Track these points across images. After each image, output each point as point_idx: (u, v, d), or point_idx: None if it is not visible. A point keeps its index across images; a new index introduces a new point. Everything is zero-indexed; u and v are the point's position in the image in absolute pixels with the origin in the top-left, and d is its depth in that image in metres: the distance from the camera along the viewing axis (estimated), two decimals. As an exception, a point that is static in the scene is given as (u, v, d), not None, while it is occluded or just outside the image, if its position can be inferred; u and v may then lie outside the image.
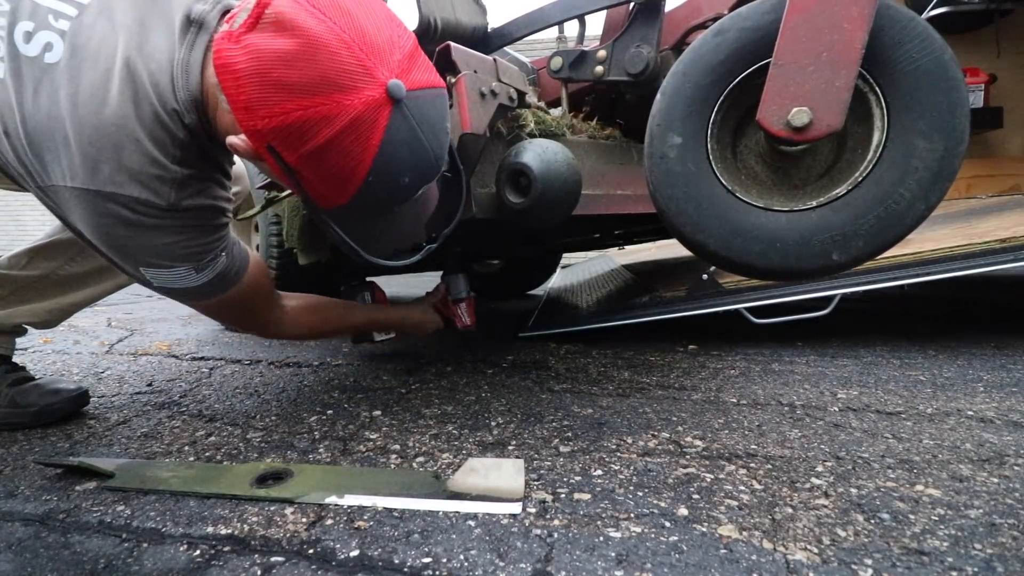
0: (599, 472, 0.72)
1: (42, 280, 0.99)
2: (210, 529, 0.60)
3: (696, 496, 0.65)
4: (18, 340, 1.07)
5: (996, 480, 0.67)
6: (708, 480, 0.69)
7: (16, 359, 1.07)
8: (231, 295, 0.83)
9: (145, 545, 0.57)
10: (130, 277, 0.79)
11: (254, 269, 0.87)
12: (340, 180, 0.61)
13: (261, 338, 1.01)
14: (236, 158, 1.10)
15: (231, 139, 0.63)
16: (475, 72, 0.86)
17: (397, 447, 0.82)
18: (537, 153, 0.86)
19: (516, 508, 0.62)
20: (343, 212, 0.66)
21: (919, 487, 0.66)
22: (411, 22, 1.21)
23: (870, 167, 0.75)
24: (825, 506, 0.62)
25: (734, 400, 1.01)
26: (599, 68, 1.21)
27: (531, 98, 1.09)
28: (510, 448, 0.80)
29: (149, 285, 0.76)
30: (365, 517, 0.61)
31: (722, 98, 0.82)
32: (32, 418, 0.95)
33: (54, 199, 0.67)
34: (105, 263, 1.01)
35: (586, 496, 0.65)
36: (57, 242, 0.98)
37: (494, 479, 0.68)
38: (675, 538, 0.56)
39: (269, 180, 1.32)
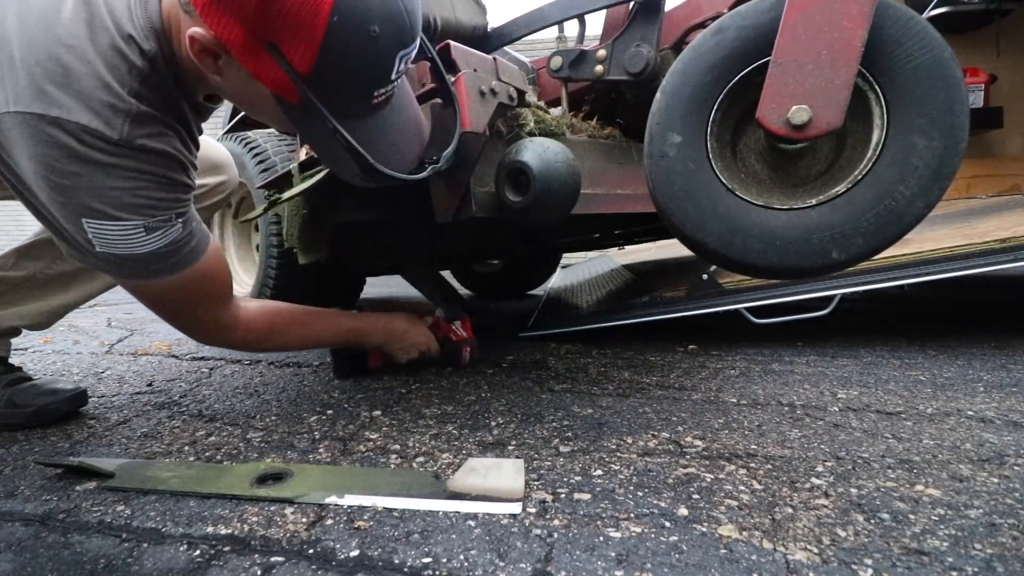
0: (599, 472, 0.72)
1: (30, 281, 0.98)
2: (210, 529, 0.60)
3: (696, 496, 0.65)
4: (18, 340, 1.07)
5: (996, 480, 0.67)
6: (708, 480, 0.69)
7: (16, 359, 1.07)
8: (182, 278, 0.76)
9: (145, 545, 0.57)
10: (70, 247, 0.72)
11: (214, 254, 0.81)
12: (303, 21, 0.57)
13: (204, 343, 0.94)
14: (215, 150, 1.07)
15: (191, 31, 0.60)
16: (475, 71, 0.86)
17: (397, 447, 0.82)
18: (537, 152, 0.86)
19: (516, 508, 0.62)
20: (320, 86, 0.61)
21: (919, 487, 0.66)
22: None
23: (870, 165, 0.75)
24: (825, 506, 0.62)
25: (734, 400, 1.01)
26: (599, 67, 1.21)
27: (531, 97, 1.09)
28: (510, 448, 0.80)
29: (90, 253, 0.69)
30: (365, 517, 0.61)
31: (722, 97, 0.81)
32: (30, 418, 0.95)
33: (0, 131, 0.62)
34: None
35: (586, 496, 0.65)
36: (42, 241, 0.97)
37: (494, 479, 0.68)
38: (675, 538, 0.56)
39: (269, 180, 1.32)
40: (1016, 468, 0.70)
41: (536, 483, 0.69)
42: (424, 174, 0.75)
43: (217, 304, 0.86)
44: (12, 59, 0.59)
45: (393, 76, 0.64)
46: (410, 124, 0.74)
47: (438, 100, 0.87)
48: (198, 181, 1.06)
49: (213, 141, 1.11)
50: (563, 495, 0.66)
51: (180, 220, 0.72)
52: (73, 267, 1.00)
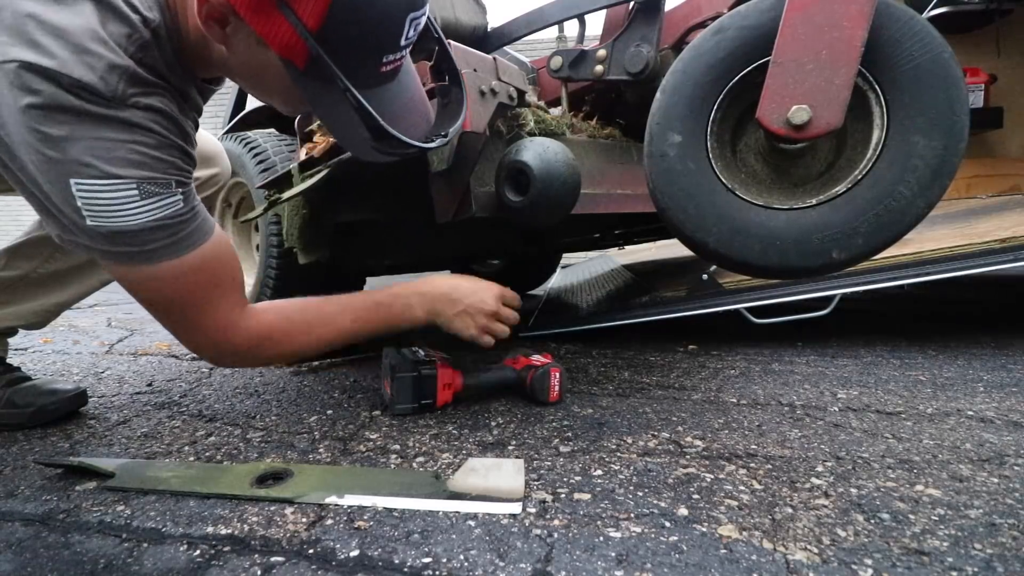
0: (599, 472, 0.72)
1: (24, 280, 0.97)
2: (210, 529, 0.60)
3: (696, 496, 0.65)
4: (18, 340, 1.07)
5: (996, 480, 0.67)
6: (708, 480, 0.69)
7: (16, 359, 1.07)
8: (184, 264, 0.69)
9: (145, 545, 0.57)
10: (59, 227, 0.66)
11: (222, 240, 0.74)
12: None
13: (212, 355, 0.81)
14: (207, 142, 1.04)
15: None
16: (475, 71, 0.86)
17: (397, 447, 0.82)
18: (537, 152, 0.86)
19: (516, 508, 0.62)
20: (330, 46, 0.59)
21: (919, 487, 0.66)
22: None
23: (870, 165, 0.75)
24: (825, 506, 0.62)
25: (734, 400, 1.01)
26: (599, 67, 1.21)
27: (531, 97, 1.09)
28: (510, 448, 0.80)
29: (80, 230, 0.63)
30: (365, 517, 0.61)
31: (722, 96, 0.81)
32: (29, 418, 0.94)
33: None
34: (87, 258, 0.96)
35: (586, 496, 0.65)
36: (34, 240, 0.97)
37: (494, 479, 0.68)
38: (675, 538, 0.56)
39: (269, 180, 1.32)
40: (1016, 468, 0.70)
41: (536, 483, 0.69)
42: (434, 144, 0.72)
43: (226, 300, 0.76)
44: (4, 10, 0.57)
45: (403, 42, 0.63)
46: (416, 102, 0.73)
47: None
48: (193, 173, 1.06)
49: (205, 132, 1.06)
50: (563, 495, 0.66)
51: (180, 192, 0.66)
52: (67, 265, 0.99)
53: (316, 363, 1.39)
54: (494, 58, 0.91)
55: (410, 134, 0.68)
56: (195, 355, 0.84)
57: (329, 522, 0.60)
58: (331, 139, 1.13)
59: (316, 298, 0.89)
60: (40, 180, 0.62)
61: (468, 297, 0.92)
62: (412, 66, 0.74)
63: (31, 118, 0.59)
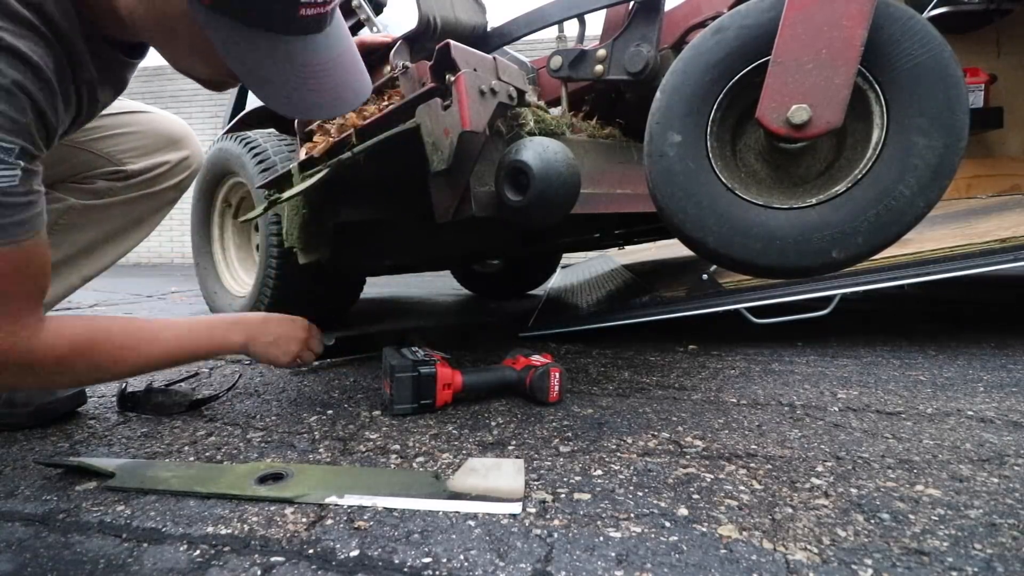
0: (599, 472, 0.72)
1: None
2: (210, 529, 0.60)
3: (696, 496, 0.65)
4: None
5: (996, 480, 0.67)
6: (708, 480, 0.69)
7: (15, 359, 1.06)
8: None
9: (145, 545, 0.57)
10: None
11: (43, 244, 0.65)
12: None
13: None
14: (173, 123, 1.00)
15: None
16: (475, 70, 0.86)
17: (397, 447, 0.82)
18: (537, 151, 0.86)
19: (516, 508, 0.62)
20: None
21: (919, 487, 0.66)
22: (411, 21, 1.21)
23: (870, 164, 0.75)
24: (825, 506, 0.62)
25: (734, 400, 1.01)
26: (599, 67, 1.21)
27: (531, 97, 1.09)
28: (510, 448, 0.80)
29: None
30: (365, 517, 0.61)
31: (721, 96, 0.81)
32: (28, 418, 0.94)
33: None
34: (65, 254, 0.92)
35: (586, 496, 0.65)
36: None
37: (494, 479, 0.68)
38: (675, 538, 0.56)
39: (269, 180, 1.32)
40: (1016, 468, 0.70)
41: (536, 483, 0.69)
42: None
43: (29, 303, 0.66)
44: None
45: None
46: (345, 61, 0.67)
47: (438, 99, 0.86)
48: (159, 159, 0.98)
49: (170, 115, 1.02)
50: (563, 495, 0.66)
51: (22, 166, 0.57)
52: None
53: (316, 363, 1.39)
54: (494, 58, 0.91)
55: (335, 96, 0.65)
56: None
57: (329, 522, 0.60)
58: (331, 139, 1.13)
59: (130, 317, 0.85)
60: None
61: (280, 327, 1.00)
62: (343, 23, 0.69)
63: None
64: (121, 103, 0.96)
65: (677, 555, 0.53)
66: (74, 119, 0.70)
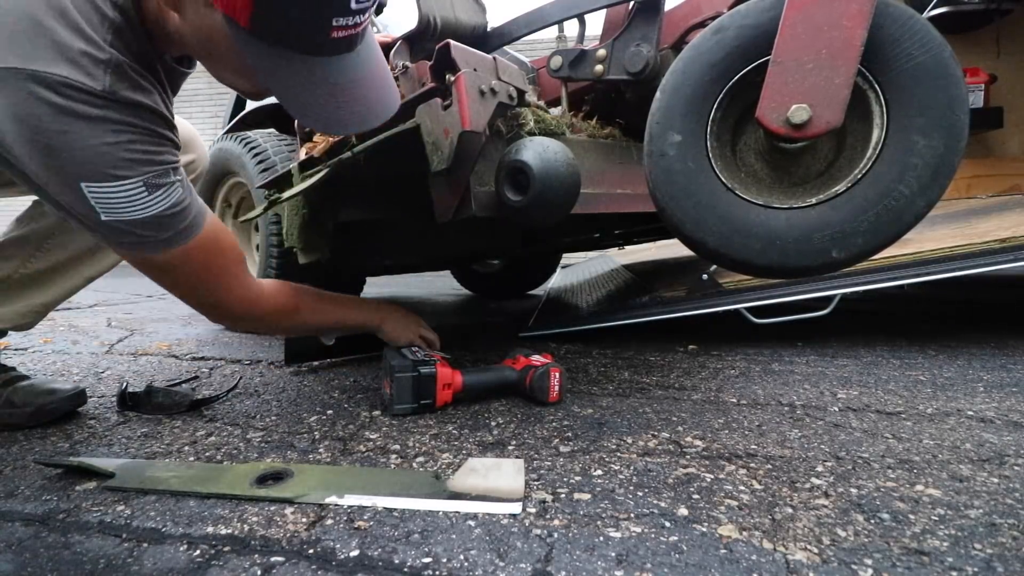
0: (599, 472, 0.72)
1: (5, 282, 0.96)
2: (210, 529, 0.60)
3: (696, 496, 0.65)
4: (18, 340, 1.06)
5: (996, 480, 0.67)
6: (708, 480, 0.69)
7: (16, 359, 1.07)
8: (196, 245, 0.74)
9: (145, 545, 0.57)
10: (76, 221, 0.69)
11: (216, 223, 0.79)
12: None
13: (231, 324, 0.92)
14: (183, 128, 1.04)
15: None
16: (475, 70, 0.86)
17: (397, 447, 0.82)
18: (536, 151, 0.86)
19: (516, 508, 0.62)
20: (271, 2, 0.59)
21: (919, 487, 0.66)
22: (411, 21, 1.21)
23: (870, 164, 0.75)
24: (825, 506, 0.62)
25: (734, 400, 1.01)
26: (599, 67, 1.21)
27: (531, 97, 1.09)
28: (510, 448, 0.80)
29: (98, 224, 0.67)
30: (365, 517, 0.61)
31: (721, 96, 0.81)
32: (28, 418, 0.94)
33: None
34: (69, 255, 0.97)
35: (586, 496, 0.65)
36: (13, 239, 0.96)
37: (494, 479, 0.68)
38: (675, 538, 0.56)
39: (269, 180, 1.32)
40: (1016, 468, 0.70)
41: (536, 483, 0.69)
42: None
43: (237, 272, 0.84)
44: None
45: (354, 4, 0.61)
46: (376, 79, 0.71)
47: (438, 99, 0.86)
48: None
49: (179, 118, 1.09)
50: (563, 495, 0.66)
51: (178, 179, 0.71)
52: (49, 264, 0.97)
53: (316, 363, 1.39)
54: (494, 58, 0.91)
55: (359, 118, 0.70)
56: (219, 323, 0.96)
57: (329, 522, 0.60)
58: (331, 139, 1.13)
59: (309, 288, 1.02)
60: (49, 182, 0.65)
61: (402, 315, 1.16)
62: (374, 41, 0.73)
63: (27, 126, 0.60)
64: None
65: (677, 555, 0.53)
66: None
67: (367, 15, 0.64)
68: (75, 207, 0.67)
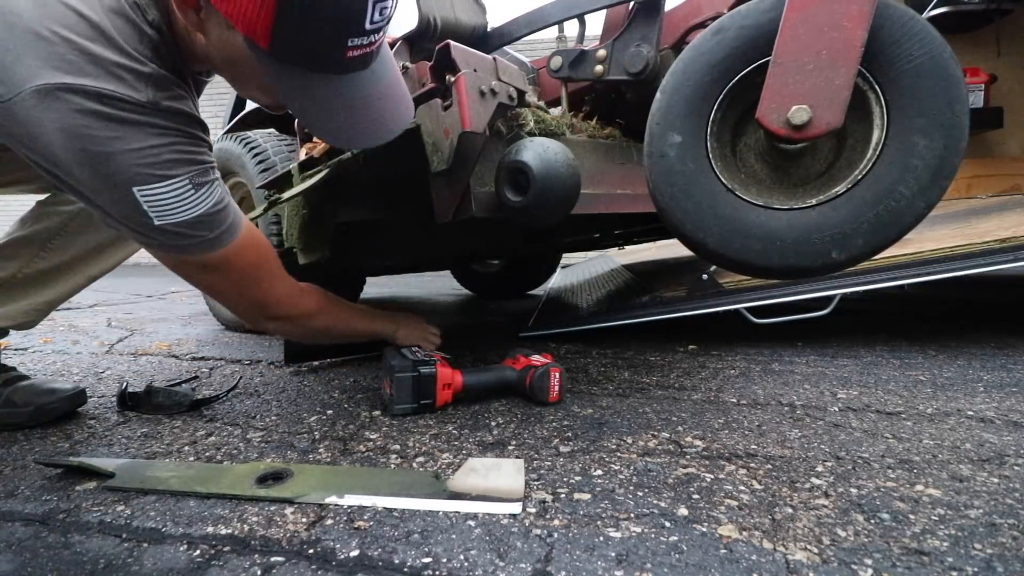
0: (599, 472, 0.72)
1: (9, 281, 0.96)
2: (210, 529, 0.60)
3: (696, 496, 0.65)
4: (18, 340, 1.07)
5: (996, 480, 0.67)
6: (708, 480, 0.69)
7: (16, 359, 1.07)
8: (241, 243, 0.79)
9: (145, 545, 0.57)
10: (130, 230, 0.71)
11: (249, 222, 0.83)
12: None
13: (272, 324, 0.90)
14: None
15: None
16: (475, 71, 0.86)
17: (397, 447, 0.82)
18: (537, 152, 0.86)
19: (516, 508, 0.62)
20: (288, 22, 0.60)
21: (919, 487, 0.66)
22: (411, 21, 1.21)
23: (870, 165, 0.75)
24: (825, 506, 0.62)
25: (734, 400, 1.01)
26: (599, 67, 1.21)
27: (531, 97, 1.09)
28: (510, 448, 0.80)
29: (152, 230, 0.70)
30: (365, 517, 0.61)
31: (722, 96, 0.81)
32: (28, 418, 0.94)
33: (20, 119, 0.61)
34: (73, 255, 0.98)
35: (586, 496, 0.65)
36: (17, 240, 0.96)
37: (494, 479, 0.68)
38: (675, 538, 0.56)
39: (269, 180, 1.32)
40: (1016, 468, 0.70)
41: (536, 483, 0.69)
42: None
43: (279, 268, 0.88)
44: (27, 33, 0.60)
45: (368, 25, 0.63)
46: (391, 94, 0.73)
47: (438, 99, 0.86)
48: None
49: None
50: (563, 495, 0.66)
51: (217, 179, 0.75)
52: (53, 263, 0.98)
53: (316, 363, 1.39)
54: (494, 58, 0.91)
55: (375, 132, 0.72)
56: (258, 325, 0.92)
57: (329, 522, 0.60)
58: (331, 139, 1.13)
59: (332, 295, 1.04)
60: (102, 192, 0.67)
61: (412, 320, 1.19)
62: (390, 56, 0.75)
63: (76, 137, 0.62)
64: None
65: (677, 555, 0.53)
66: None
67: (381, 34, 0.66)
68: (130, 217, 0.69)
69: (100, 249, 1.01)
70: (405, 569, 0.52)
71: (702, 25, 1.16)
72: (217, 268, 0.80)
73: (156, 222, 0.70)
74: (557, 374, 1.00)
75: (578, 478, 0.70)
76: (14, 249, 0.96)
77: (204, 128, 0.75)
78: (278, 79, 0.66)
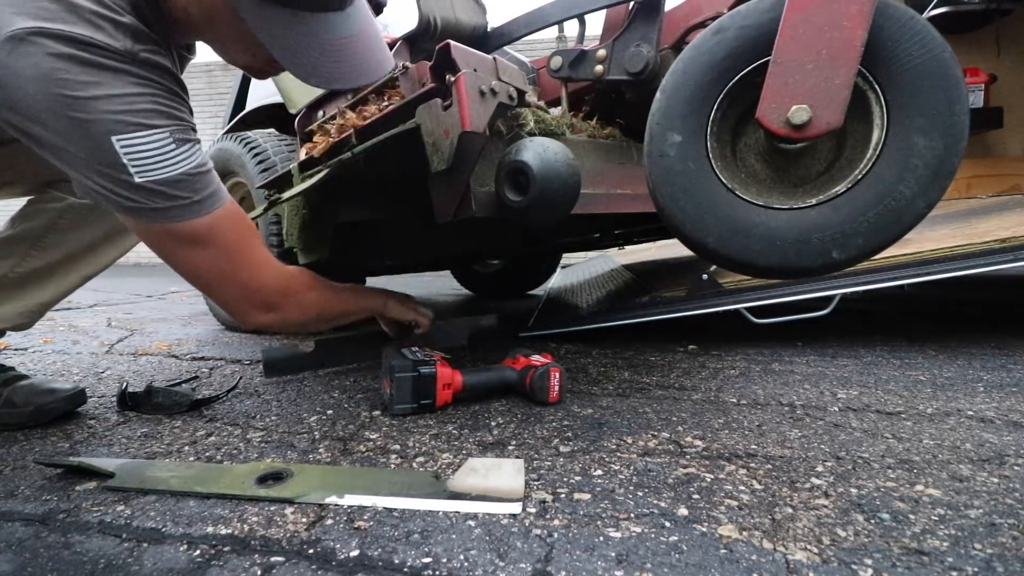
0: (599, 472, 0.72)
1: (1, 281, 0.95)
2: (210, 529, 0.60)
3: (696, 496, 0.65)
4: (18, 340, 1.06)
5: (996, 480, 0.67)
6: (708, 480, 0.69)
7: (16, 359, 1.07)
8: (224, 214, 0.75)
9: (145, 545, 0.57)
10: (101, 184, 0.67)
11: (234, 202, 0.80)
12: None
13: (260, 311, 0.85)
14: None
15: None
16: (475, 71, 0.86)
17: (397, 447, 0.82)
18: (537, 152, 0.86)
19: (516, 508, 0.62)
20: None
21: (919, 487, 0.66)
22: (411, 21, 1.21)
23: (870, 165, 0.75)
24: (825, 506, 0.62)
25: (734, 400, 1.01)
26: (599, 67, 1.21)
27: (531, 97, 1.09)
28: (510, 448, 0.80)
29: (131, 188, 0.66)
30: (365, 517, 0.61)
31: (722, 96, 0.81)
32: (28, 418, 0.94)
33: None
34: (65, 254, 0.96)
35: (586, 496, 0.65)
36: (7, 238, 0.95)
37: (494, 479, 0.68)
38: (675, 538, 0.56)
39: (269, 180, 1.32)
40: (1016, 468, 0.70)
41: (536, 483, 0.69)
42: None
43: (266, 252, 0.85)
44: None
45: None
46: (366, 39, 0.75)
47: (438, 99, 0.86)
48: None
49: None
50: (563, 495, 0.66)
51: (198, 143, 0.72)
52: (45, 263, 0.97)
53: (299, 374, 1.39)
54: (494, 58, 0.91)
55: (359, 67, 0.74)
56: (244, 315, 0.87)
57: (329, 522, 0.60)
58: (331, 139, 1.13)
59: (316, 276, 0.98)
60: (80, 151, 0.64)
61: (398, 297, 1.16)
62: (366, 7, 0.77)
63: (53, 82, 0.60)
64: None
65: (677, 555, 0.53)
66: None
67: None
68: (109, 175, 0.65)
69: (93, 246, 1.00)
70: (405, 569, 0.52)
71: (702, 25, 1.16)
72: (201, 241, 0.75)
73: (136, 179, 0.66)
74: (557, 374, 1.00)
75: (578, 478, 0.70)
76: (5, 248, 0.95)
77: (184, 89, 0.73)
78: (255, 20, 0.67)
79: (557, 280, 3.25)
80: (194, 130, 0.74)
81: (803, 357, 1.32)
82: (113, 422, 0.97)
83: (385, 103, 1.10)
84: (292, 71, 0.72)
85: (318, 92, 1.25)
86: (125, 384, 1.06)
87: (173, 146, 0.67)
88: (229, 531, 0.59)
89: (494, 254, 2.48)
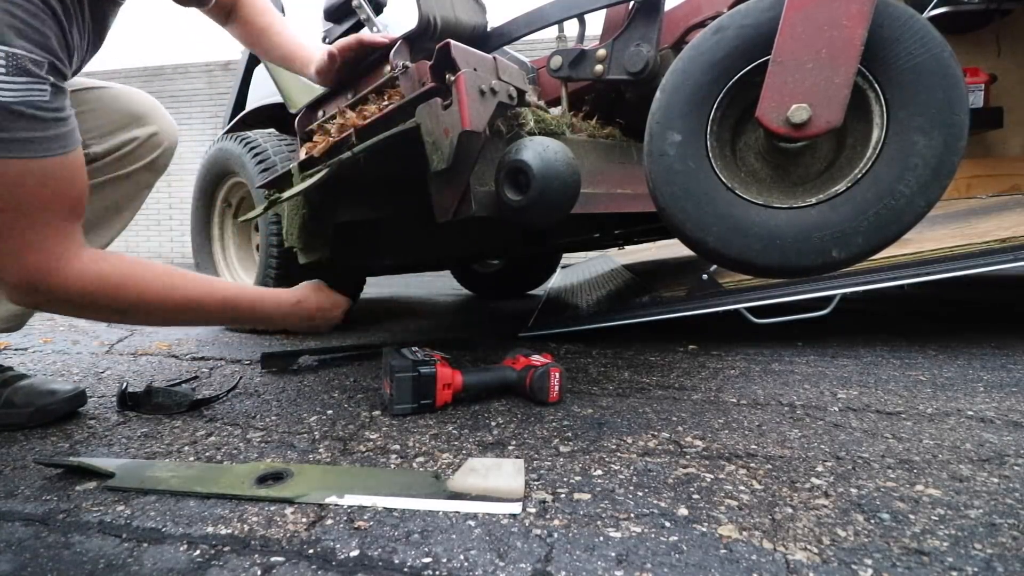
0: (599, 472, 0.72)
1: None
2: (210, 529, 0.60)
3: (696, 496, 0.65)
4: (18, 340, 1.06)
5: (996, 480, 0.67)
6: (708, 480, 0.69)
7: (16, 359, 1.07)
8: (31, 167, 0.60)
9: (145, 545, 0.57)
10: None
11: (78, 161, 0.66)
12: None
13: (20, 287, 0.71)
14: (138, 96, 0.95)
15: None
16: (475, 70, 0.86)
17: (397, 447, 0.82)
18: (536, 151, 0.86)
19: (516, 508, 0.62)
20: None
21: (919, 487, 0.66)
22: (411, 21, 1.21)
23: (869, 164, 0.75)
24: (825, 506, 0.62)
25: (734, 400, 1.01)
26: (599, 67, 1.21)
27: (531, 97, 1.09)
28: (510, 448, 0.80)
29: None
30: (365, 517, 0.61)
31: (721, 95, 0.81)
32: (28, 418, 0.94)
33: None
34: None
35: (586, 496, 0.65)
36: None
37: (494, 479, 0.68)
38: (675, 538, 0.56)
39: (269, 180, 1.32)
40: (1016, 468, 0.70)
41: (536, 483, 0.69)
42: None
43: (65, 225, 0.67)
44: None
45: None
46: None
47: (438, 99, 0.86)
48: (123, 137, 0.93)
49: (132, 88, 0.94)
50: (563, 495, 0.66)
51: (50, 84, 0.60)
52: None
53: (316, 363, 1.39)
54: (494, 58, 0.91)
55: None
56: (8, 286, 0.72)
57: (329, 522, 0.60)
58: (331, 139, 1.13)
59: (174, 269, 0.84)
60: None
61: (319, 298, 1.07)
62: None
63: None
64: (77, 80, 0.88)
65: (677, 555, 0.53)
66: (84, 54, 0.69)
67: None
68: None
69: None
70: (405, 569, 0.52)
71: (702, 24, 1.16)
72: None
73: None
74: (557, 374, 1.00)
75: (578, 478, 0.70)
76: None
77: (68, 18, 0.60)
78: None
79: (557, 280, 3.25)
80: (55, 68, 0.61)
81: (803, 357, 1.32)
82: (113, 422, 0.97)
83: (385, 103, 1.09)
84: None
85: (318, 92, 1.25)
86: (125, 384, 1.06)
87: (2, 71, 0.56)
88: (229, 531, 0.59)
89: (494, 254, 2.48)
